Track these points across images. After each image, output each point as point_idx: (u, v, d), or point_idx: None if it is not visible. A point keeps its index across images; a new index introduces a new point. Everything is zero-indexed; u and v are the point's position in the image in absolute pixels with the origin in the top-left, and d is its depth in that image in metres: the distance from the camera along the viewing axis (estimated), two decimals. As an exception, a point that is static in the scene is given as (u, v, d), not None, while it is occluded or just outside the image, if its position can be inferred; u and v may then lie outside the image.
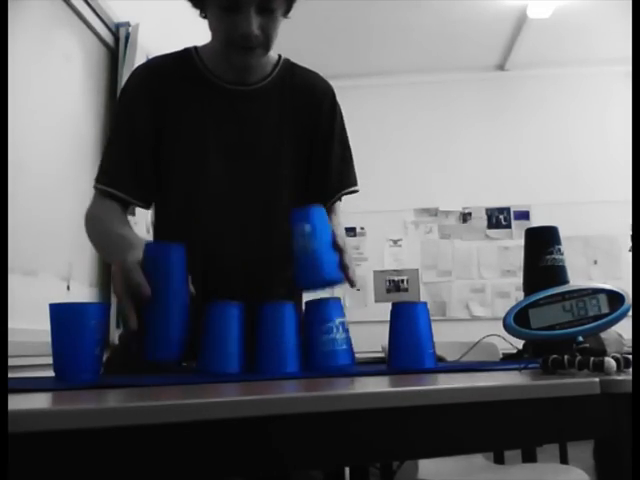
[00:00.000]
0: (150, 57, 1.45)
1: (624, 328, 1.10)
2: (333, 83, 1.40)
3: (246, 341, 1.03)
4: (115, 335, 1.34)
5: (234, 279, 1.26)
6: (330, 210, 1.37)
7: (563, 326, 1.02)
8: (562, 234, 1.24)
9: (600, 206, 5.11)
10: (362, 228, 5.32)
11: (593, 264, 5.16)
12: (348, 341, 1.07)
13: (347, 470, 2.08)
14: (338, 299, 1.10)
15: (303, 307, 1.32)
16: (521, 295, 1.16)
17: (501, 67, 5.47)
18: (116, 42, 2.70)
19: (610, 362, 0.81)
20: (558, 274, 1.19)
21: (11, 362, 1.02)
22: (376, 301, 5.15)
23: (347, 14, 4.46)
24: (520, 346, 1.25)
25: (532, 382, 0.82)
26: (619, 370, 0.82)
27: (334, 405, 0.68)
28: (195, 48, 1.33)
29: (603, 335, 1.16)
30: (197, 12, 1.26)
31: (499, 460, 2.30)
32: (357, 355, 1.09)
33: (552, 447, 2.68)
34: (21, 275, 1.94)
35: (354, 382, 0.93)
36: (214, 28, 1.24)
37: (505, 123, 5.42)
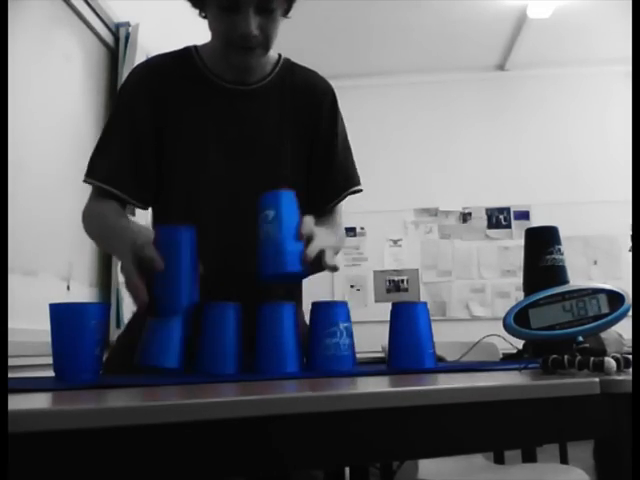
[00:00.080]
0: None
1: (624, 328, 1.10)
2: (333, 83, 1.40)
3: (245, 342, 1.03)
4: (115, 335, 1.34)
5: (234, 278, 1.26)
6: (332, 210, 1.37)
7: (563, 326, 1.02)
8: (562, 234, 1.24)
9: (600, 206, 5.11)
10: (362, 228, 5.32)
11: (593, 264, 5.17)
12: (351, 347, 1.06)
13: (347, 470, 2.08)
14: (345, 303, 1.09)
15: (303, 307, 1.33)
16: (521, 295, 1.16)
17: (501, 67, 5.47)
18: (116, 42, 2.70)
19: (610, 362, 0.81)
20: (558, 274, 1.19)
21: (11, 362, 1.02)
22: (376, 301, 5.14)
23: (347, 14, 4.46)
24: (520, 346, 1.25)
25: (532, 382, 0.82)
26: (619, 370, 0.82)
27: (334, 405, 0.68)
28: (195, 47, 1.33)
29: (603, 335, 1.16)
30: (197, 12, 1.25)
31: (499, 460, 2.29)
32: (357, 355, 1.08)
33: (552, 447, 2.68)
34: (21, 275, 1.94)
35: (354, 382, 0.92)
36: (214, 28, 1.23)
37: (505, 123, 5.42)
